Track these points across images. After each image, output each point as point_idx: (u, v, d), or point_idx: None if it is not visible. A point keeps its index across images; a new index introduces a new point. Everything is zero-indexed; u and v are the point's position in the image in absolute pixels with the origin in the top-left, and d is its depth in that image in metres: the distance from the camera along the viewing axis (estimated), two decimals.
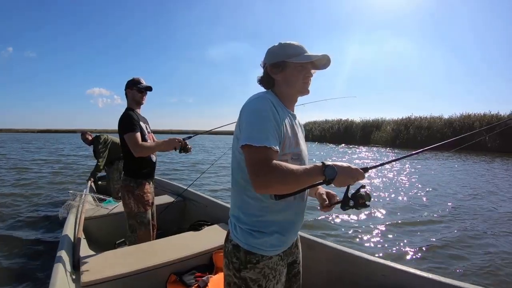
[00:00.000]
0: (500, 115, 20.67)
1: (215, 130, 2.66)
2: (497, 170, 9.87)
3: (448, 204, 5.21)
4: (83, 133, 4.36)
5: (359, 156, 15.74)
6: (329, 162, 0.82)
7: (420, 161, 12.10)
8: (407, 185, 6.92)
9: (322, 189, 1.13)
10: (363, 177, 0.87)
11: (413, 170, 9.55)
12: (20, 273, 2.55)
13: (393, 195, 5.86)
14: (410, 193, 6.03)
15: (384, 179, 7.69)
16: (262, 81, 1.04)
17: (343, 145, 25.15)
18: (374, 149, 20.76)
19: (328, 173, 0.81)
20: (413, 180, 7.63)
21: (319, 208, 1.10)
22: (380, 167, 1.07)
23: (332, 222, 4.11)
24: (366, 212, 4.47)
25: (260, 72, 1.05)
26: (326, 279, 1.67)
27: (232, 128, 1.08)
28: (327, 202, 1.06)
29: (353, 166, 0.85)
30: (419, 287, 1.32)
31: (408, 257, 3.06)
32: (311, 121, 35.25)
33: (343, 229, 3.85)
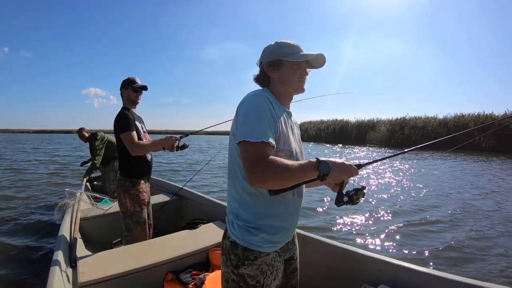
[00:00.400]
0: (495, 115, 20.86)
1: (210, 130, 2.64)
2: (495, 170, 9.93)
3: (449, 203, 5.20)
4: (80, 129, 4.32)
5: (356, 156, 15.83)
6: (323, 158, 0.84)
7: (419, 161, 12.18)
8: (406, 186, 6.90)
9: None
10: (357, 173, 0.88)
11: (411, 170, 9.57)
12: (17, 274, 2.53)
13: (393, 196, 5.84)
14: (410, 193, 6.01)
15: (383, 180, 7.67)
16: (258, 79, 1.05)
17: (340, 145, 25.25)
18: (371, 149, 20.87)
19: (323, 168, 0.82)
20: (413, 180, 7.64)
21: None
22: (373, 164, 1.09)
23: (332, 223, 4.08)
24: (367, 214, 4.44)
25: (256, 72, 1.06)
26: (322, 275, 1.68)
27: (226, 127, 1.09)
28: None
29: (347, 162, 0.86)
30: (414, 282, 1.33)
31: (411, 258, 3.02)
32: (306, 121, 35.38)
33: (343, 231, 3.82)
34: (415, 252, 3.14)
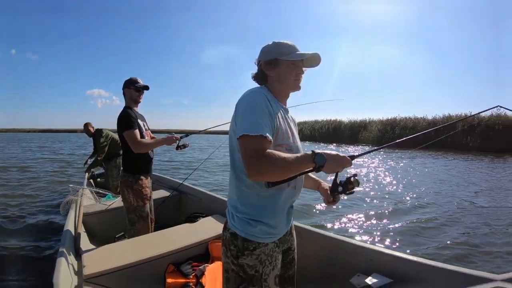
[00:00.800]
0: (481, 116, 21.34)
1: (209, 130, 2.82)
2: (486, 168, 10.01)
3: (444, 201, 5.21)
4: (86, 124, 4.39)
5: (350, 155, 15.95)
6: (318, 150, 0.88)
7: (412, 160, 12.31)
8: (400, 184, 6.88)
9: (325, 184, 1.18)
10: (351, 164, 0.92)
11: (406, 169, 9.61)
12: (24, 270, 2.54)
13: (389, 194, 5.85)
14: (405, 191, 6.02)
15: (379, 179, 7.68)
16: (256, 77, 1.09)
17: (334, 144, 25.42)
18: (367, 148, 21.10)
19: (318, 160, 0.86)
20: (407, 178, 7.63)
21: (323, 202, 1.15)
22: (366, 155, 1.14)
23: (330, 221, 4.08)
24: (364, 212, 4.46)
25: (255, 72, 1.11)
26: (317, 265, 1.73)
27: (226, 127, 1.15)
28: (332, 199, 1.07)
29: (341, 154, 0.91)
30: (405, 270, 1.38)
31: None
32: (301, 121, 35.36)
33: (341, 229, 3.83)
34: (411, 250, 3.11)
